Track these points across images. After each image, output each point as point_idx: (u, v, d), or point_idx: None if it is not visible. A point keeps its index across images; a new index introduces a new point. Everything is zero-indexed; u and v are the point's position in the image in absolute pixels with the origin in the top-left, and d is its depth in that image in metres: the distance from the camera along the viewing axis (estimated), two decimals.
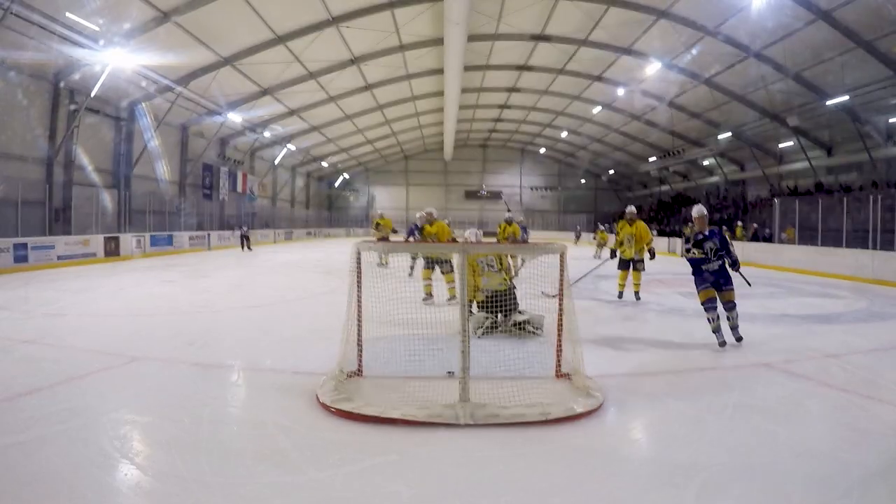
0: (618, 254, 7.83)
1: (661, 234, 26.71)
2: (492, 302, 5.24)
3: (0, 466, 2.40)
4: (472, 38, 17.91)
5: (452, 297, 6.75)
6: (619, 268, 7.85)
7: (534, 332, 5.08)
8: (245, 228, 21.91)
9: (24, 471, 2.35)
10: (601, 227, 20.20)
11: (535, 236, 34.18)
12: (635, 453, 2.80)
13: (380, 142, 35.33)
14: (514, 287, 5.51)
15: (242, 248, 20.89)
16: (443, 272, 7.19)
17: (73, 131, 14.86)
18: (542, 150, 40.31)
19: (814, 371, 4.19)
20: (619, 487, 2.35)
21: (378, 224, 13.41)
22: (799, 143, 21.04)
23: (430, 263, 7.23)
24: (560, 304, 3.68)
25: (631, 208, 8.11)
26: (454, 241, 7.74)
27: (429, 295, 6.99)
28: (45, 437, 2.70)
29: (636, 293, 7.80)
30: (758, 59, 17.03)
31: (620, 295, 7.87)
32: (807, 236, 14.63)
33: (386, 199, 42.87)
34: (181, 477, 2.35)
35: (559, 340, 3.72)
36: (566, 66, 22.17)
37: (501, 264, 5.63)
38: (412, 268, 9.50)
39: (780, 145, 22.82)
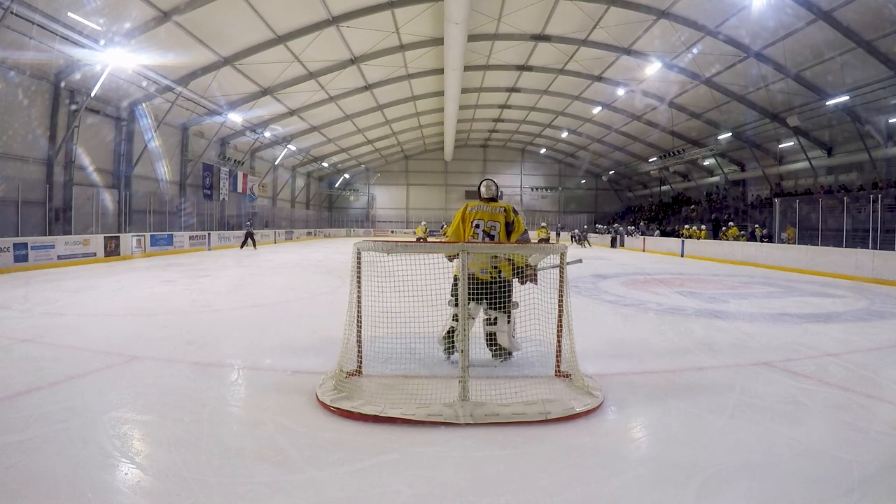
0: None
1: (662, 234, 26.73)
2: (476, 288, 3.80)
3: None
4: (472, 37, 17.91)
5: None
6: None
7: (503, 355, 4.07)
8: (250, 224, 21.88)
9: (23, 470, 2.35)
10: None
11: (536, 236, 34.16)
12: (635, 452, 2.79)
13: (380, 142, 35.30)
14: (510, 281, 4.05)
15: (243, 245, 20.93)
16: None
17: (74, 131, 14.87)
18: (543, 151, 40.32)
19: (814, 370, 4.19)
20: (619, 486, 2.35)
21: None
22: (799, 143, 21.05)
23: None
24: (560, 304, 3.68)
25: None
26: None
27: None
28: (44, 436, 2.70)
29: None
30: (758, 59, 17.04)
31: None
32: (807, 236, 14.65)
33: (386, 200, 42.87)
34: (181, 476, 2.34)
35: (559, 340, 3.72)
36: (566, 66, 22.17)
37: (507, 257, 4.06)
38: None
39: (781, 145, 22.84)
